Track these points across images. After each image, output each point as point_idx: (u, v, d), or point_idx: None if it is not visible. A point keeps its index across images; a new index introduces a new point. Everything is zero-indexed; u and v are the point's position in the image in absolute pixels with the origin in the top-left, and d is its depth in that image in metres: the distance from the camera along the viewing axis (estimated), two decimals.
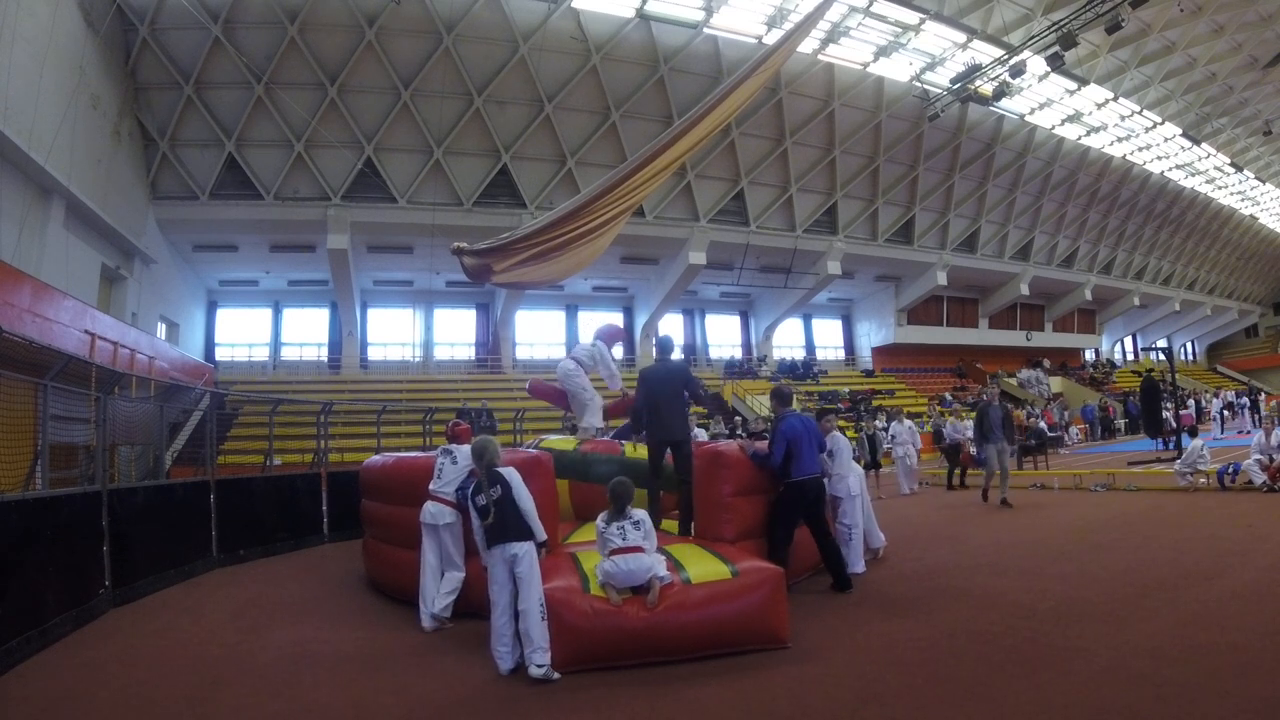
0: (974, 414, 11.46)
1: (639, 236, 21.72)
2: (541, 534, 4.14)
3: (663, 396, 5.74)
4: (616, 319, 27.77)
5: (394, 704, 3.59)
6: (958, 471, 13.20)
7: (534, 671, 3.78)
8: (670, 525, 5.86)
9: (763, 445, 5.78)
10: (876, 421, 16.86)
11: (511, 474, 4.21)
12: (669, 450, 5.74)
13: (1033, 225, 29.75)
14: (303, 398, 14.92)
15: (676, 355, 6.64)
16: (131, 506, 6.34)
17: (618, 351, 8.62)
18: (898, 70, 21.06)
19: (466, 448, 5.35)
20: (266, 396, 13.05)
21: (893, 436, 13.54)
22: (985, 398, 10.92)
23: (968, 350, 32.00)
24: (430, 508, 5.08)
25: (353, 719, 3.46)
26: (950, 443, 14.14)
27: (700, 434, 9.79)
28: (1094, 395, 29.42)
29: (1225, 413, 22.47)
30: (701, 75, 19.52)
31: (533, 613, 3.88)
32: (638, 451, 6.45)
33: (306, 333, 24.83)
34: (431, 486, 5.15)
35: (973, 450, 13.12)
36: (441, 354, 25.71)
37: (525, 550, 4.00)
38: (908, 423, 13.72)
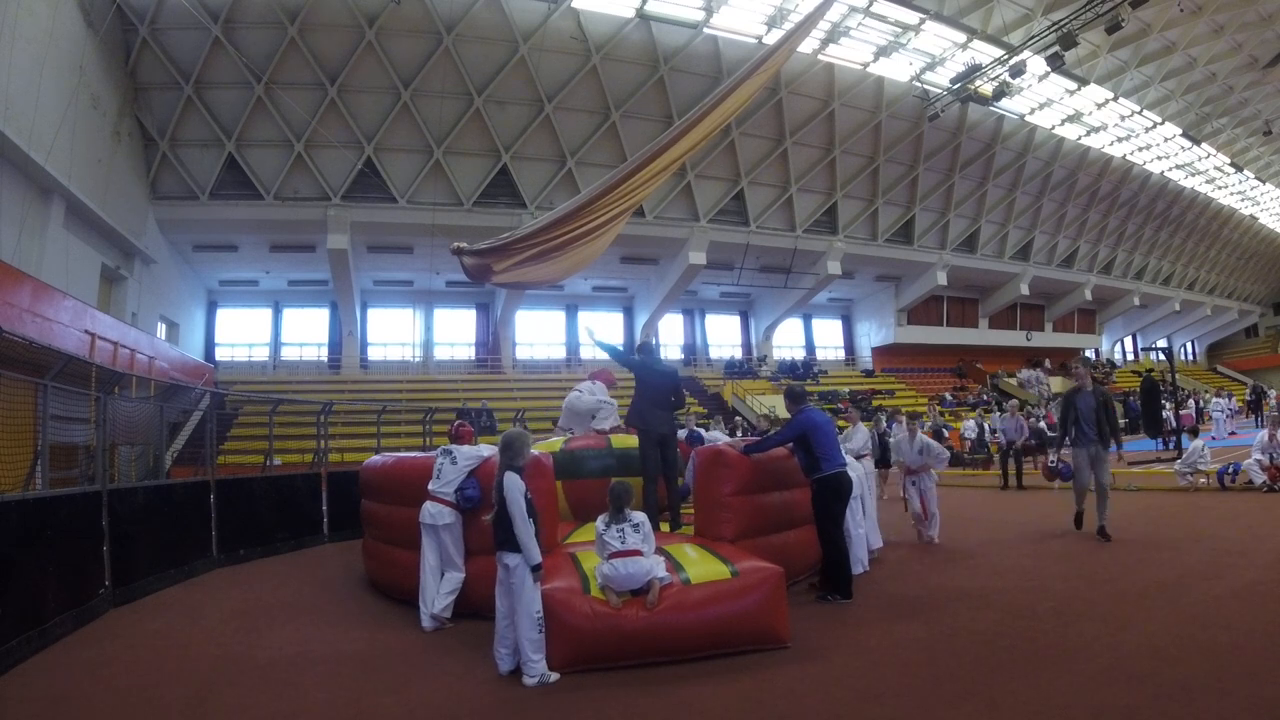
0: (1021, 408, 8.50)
1: (639, 236, 21.71)
2: (533, 559, 3.88)
3: (655, 397, 6.01)
4: (616, 319, 27.85)
5: (394, 704, 3.59)
6: (1013, 471, 12.55)
7: (525, 682, 3.78)
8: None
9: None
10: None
11: (512, 489, 3.95)
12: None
13: (1033, 225, 29.75)
14: (303, 398, 14.90)
15: (674, 356, 7.02)
16: (131, 506, 6.34)
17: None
18: (898, 70, 21.05)
19: (466, 448, 5.40)
20: (266, 396, 13.04)
21: (892, 439, 12.83)
22: (1078, 380, 7.40)
23: (968, 350, 31.99)
24: (430, 508, 5.09)
25: (352, 719, 3.46)
26: (1006, 441, 12.66)
27: (701, 434, 9.77)
28: None
29: (1221, 416, 22.26)
30: (701, 75, 19.51)
31: (523, 625, 3.83)
32: (624, 441, 6.63)
33: (306, 333, 24.83)
34: (431, 487, 5.16)
35: (1052, 460, 10.92)
36: (441, 354, 25.70)
37: (516, 563, 3.90)
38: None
